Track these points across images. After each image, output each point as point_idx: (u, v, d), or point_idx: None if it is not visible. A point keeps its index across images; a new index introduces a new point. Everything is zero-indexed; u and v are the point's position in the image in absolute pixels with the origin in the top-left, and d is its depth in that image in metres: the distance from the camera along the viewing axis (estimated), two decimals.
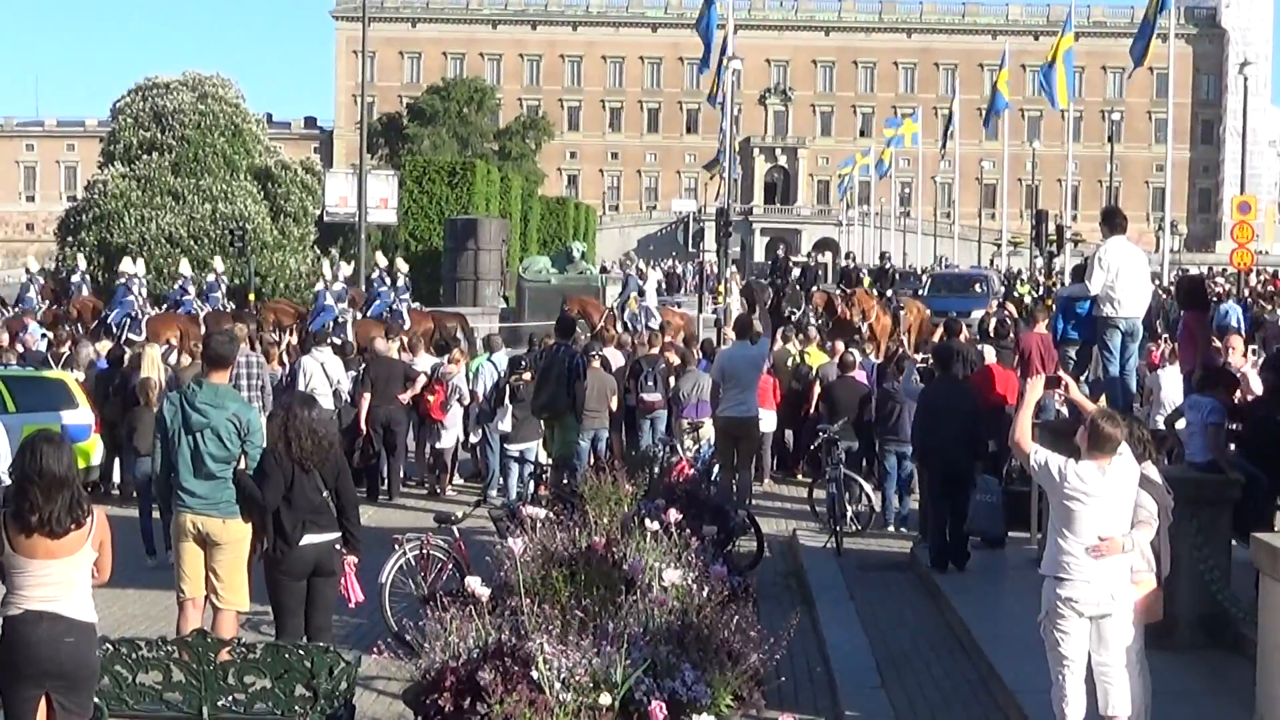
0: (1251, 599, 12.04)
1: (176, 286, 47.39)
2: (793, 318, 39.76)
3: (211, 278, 48.86)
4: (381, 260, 48.53)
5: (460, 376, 25.46)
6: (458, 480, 26.05)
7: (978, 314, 46.90)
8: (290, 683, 10.04)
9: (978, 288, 61.06)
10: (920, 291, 64.78)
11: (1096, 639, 10.70)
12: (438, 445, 25.32)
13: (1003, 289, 63.82)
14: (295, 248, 75.03)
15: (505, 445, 23.45)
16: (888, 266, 66.40)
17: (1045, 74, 58.76)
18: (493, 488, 24.04)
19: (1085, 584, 10.56)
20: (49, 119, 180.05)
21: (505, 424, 23.40)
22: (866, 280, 61.93)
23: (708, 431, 23.62)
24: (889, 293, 55.59)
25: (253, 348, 25.87)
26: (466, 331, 37.78)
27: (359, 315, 42.07)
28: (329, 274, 45.73)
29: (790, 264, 62.65)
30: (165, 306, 46.39)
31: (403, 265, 48.87)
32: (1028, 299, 58.37)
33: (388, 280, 46.08)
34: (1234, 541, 14.19)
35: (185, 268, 48.65)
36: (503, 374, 24.16)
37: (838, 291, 49.75)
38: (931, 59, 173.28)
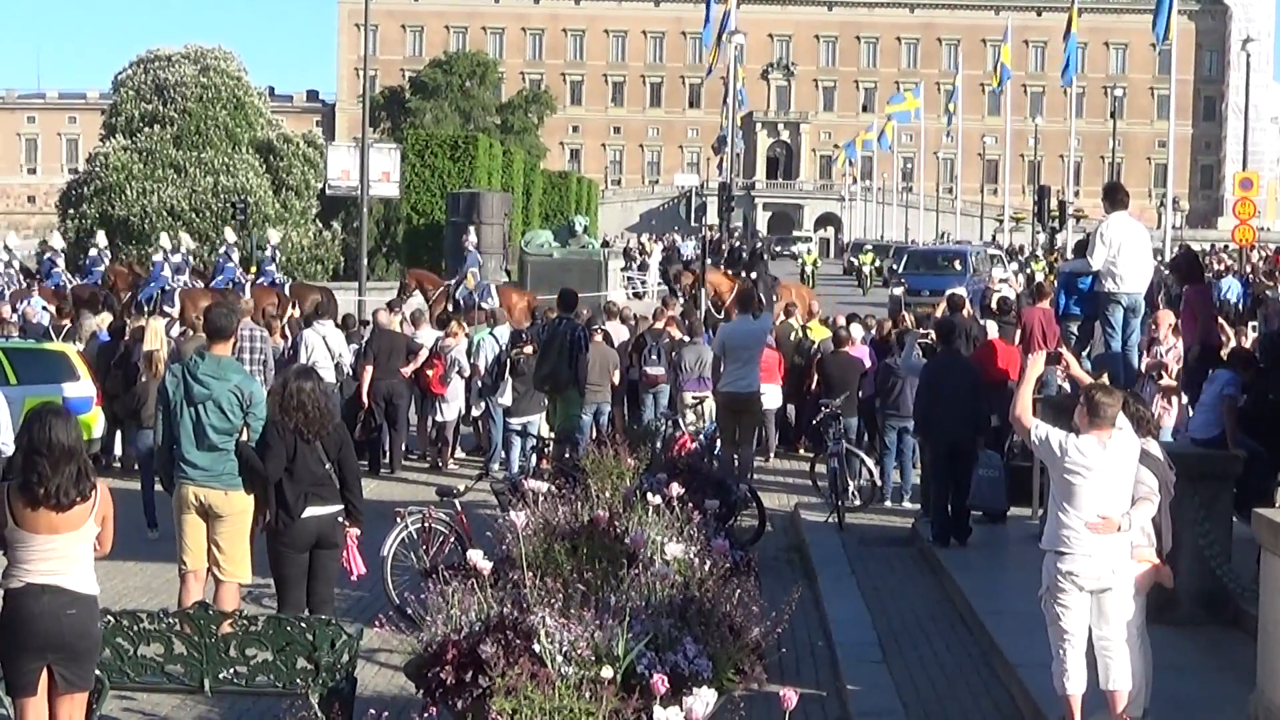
0: (1252, 575, 12.06)
1: (45, 259, 47.45)
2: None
3: (94, 252, 48.57)
4: (230, 235, 48.44)
5: (460, 350, 25.44)
6: (460, 454, 26.05)
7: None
8: (292, 655, 10.05)
9: (956, 264, 58.80)
10: (896, 268, 62.47)
11: (1097, 613, 10.71)
12: (439, 419, 25.31)
13: (991, 267, 61.80)
14: (297, 221, 75.02)
15: (507, 419, 23.47)
16: (758, 245, 62.10)
17: (1069, 48, 59.20)
18: (495, 461, 24.06)
19: (1086, 558, 10.57)
20: (50, 91, 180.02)
21: (506, 398, 23.43)
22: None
23: (710, 406, 23.64)
24: (753, 275, 50.43)
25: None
26: (332, 307, 37.68)
27: (197, 285, 42.16)
28: (168, 245, 45.79)
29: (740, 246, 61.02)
30: (37, 279, 46.28)
31: (273, 236, 48.96)
32: (1039, 275, 58.02)
33: (234, 256, 46.02)
34: (1235, 518, 14.19)
35: (56, 240, 48.98)
36: (504, 347, 24.17)
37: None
38: (934, 34, 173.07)
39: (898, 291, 54.93)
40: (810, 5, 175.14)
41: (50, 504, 8.91)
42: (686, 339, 25.93)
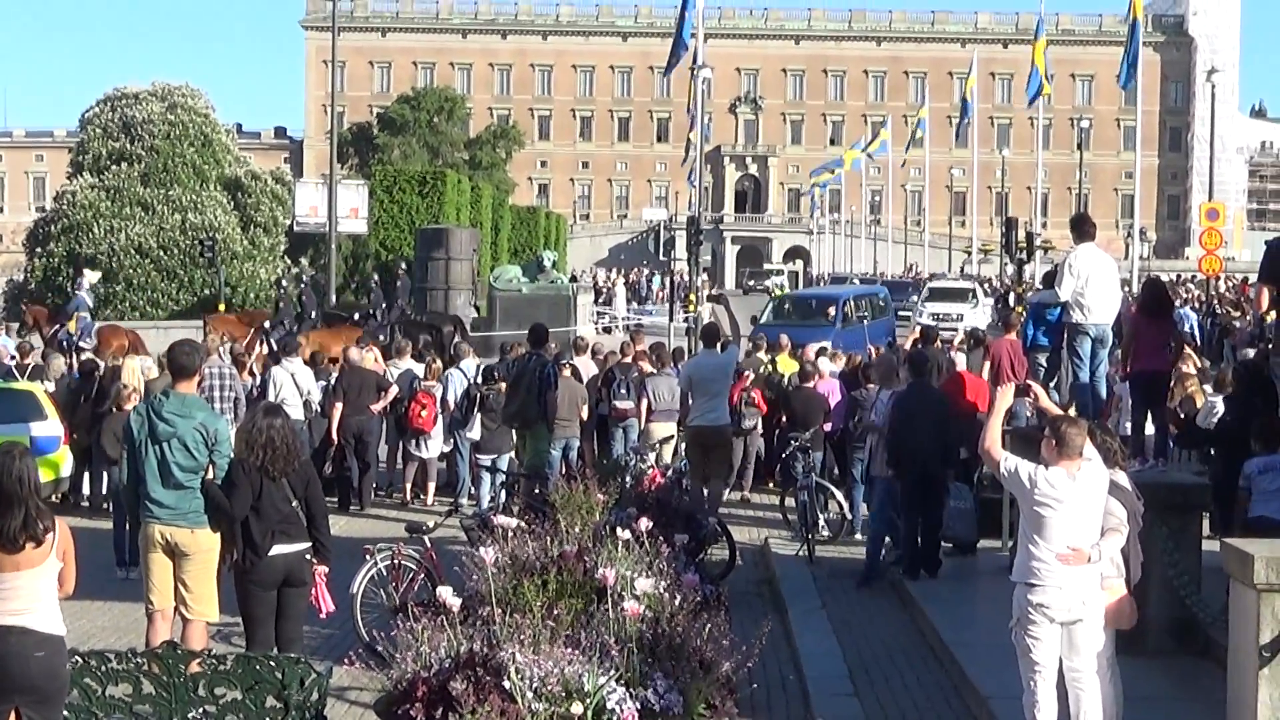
0: (1221, 604, 12.07)
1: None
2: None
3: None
4: None
5: (440, 387, 25.44)
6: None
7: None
8: (261, 694, 9.99)
9: (830, 313, 47.41)
10: (760, 317, 48.76)
11: (1068, 645, 10.71)
12: (423, 455, 25.20)
13: (870, 314, 50.01)
14: (265, 258, 74.86)
15: (476, 455, 23.45)
16: (302, 288, 52.61)
17: (1032, 79, 59.44)
18: (464, 496, 24.02)
19: (1056, 590, 10.58)
20: (17, 129, 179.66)
21: (474, 433, 23.41)
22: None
23: (661, 433, 23.66)
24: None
25: None
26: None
27: None
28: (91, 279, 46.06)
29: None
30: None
31: None
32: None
33: None
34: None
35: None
36: (472, 382, 24.15)
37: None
38: (901, 67, 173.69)
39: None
40: (777, 39, 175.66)
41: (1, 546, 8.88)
42: (655, 370, 25.84)
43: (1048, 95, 68.17)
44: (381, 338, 39.24)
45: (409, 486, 25.43)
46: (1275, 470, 14.62)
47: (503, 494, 21.08)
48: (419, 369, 26.59)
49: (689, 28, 49.79)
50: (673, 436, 23.88)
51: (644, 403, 24.90)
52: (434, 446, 25.17)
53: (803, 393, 24.60)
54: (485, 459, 23.18)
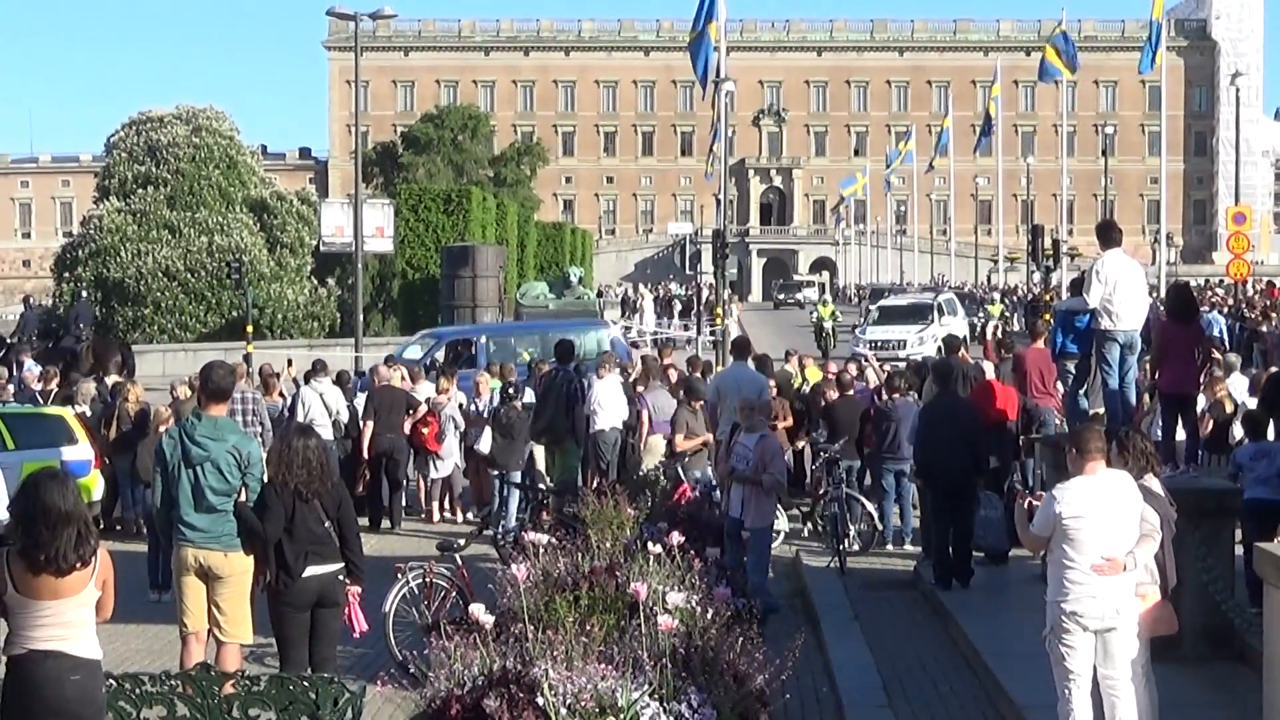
0: (1256, 609, 12.03)
1: None
2: None
3: None
4: None
5: (453, 405, 25.43)
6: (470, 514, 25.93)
7: None
8: (295, 715, 10.00)
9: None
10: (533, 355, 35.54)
11: (1102, 653, 10.68)
12: (434, 475, 25.22)
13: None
14: (292, 279, 74.94)
15: (489, 469, 23.59)
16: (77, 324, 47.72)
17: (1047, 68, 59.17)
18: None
19: (1090, 598, 10.55)
20: (44, 155, 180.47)
21: (483, 445, 23.49)
22: None
23: (662, 446, 23.45)
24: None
25: None
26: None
27: None
28: None
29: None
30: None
31: None
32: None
33: None
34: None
35: None
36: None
37: None
38: (924, 77, 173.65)
39: None
40: (800, 51, 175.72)
41: (50, 569, 8.87)
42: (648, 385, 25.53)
43: (1071, 81, 67.64)
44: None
45: (435, 505, 25.45)
46: (1266, 456, 15.61)
47: (512, 506, 21.38)
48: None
49: (707, 47, 49.50)
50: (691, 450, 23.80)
51: (644, 414, 24.64)
52: (444, 466, 25.17)
53: (846, 401, 24.35)
54: (495, 472, 23.37)
